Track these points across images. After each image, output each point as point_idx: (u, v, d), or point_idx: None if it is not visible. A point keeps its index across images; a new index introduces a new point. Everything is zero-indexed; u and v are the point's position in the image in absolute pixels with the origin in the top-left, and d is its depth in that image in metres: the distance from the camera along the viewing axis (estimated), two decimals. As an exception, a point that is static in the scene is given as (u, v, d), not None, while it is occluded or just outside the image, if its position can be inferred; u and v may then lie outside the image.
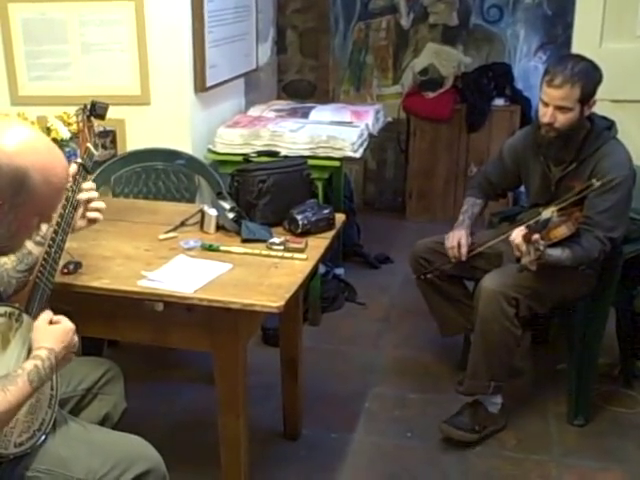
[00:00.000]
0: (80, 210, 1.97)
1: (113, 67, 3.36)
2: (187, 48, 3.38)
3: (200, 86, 3.48)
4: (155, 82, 3.37)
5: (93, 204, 2.00)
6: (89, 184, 2.00)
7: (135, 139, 3.43)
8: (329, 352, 3.45)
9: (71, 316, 1.80)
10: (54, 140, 2.51)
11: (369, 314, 3.86)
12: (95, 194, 2.02)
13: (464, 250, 2.87)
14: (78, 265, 2.14)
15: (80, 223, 1.99)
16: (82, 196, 1.96)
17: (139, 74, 3.36)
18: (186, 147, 3.43)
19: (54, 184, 1.59)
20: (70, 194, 1.91)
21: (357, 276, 4.19)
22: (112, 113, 3.26)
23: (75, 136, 2.58)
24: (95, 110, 2.10)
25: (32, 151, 1.55)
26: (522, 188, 3.15)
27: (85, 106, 2.11)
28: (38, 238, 1.91)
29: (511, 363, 2.77)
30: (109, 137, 3.46)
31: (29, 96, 3.40)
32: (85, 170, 1.97)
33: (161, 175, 3.39)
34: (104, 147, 3.47)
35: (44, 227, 1.74)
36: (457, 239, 2.90)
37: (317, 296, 3.66)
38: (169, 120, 3.41)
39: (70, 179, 1.93)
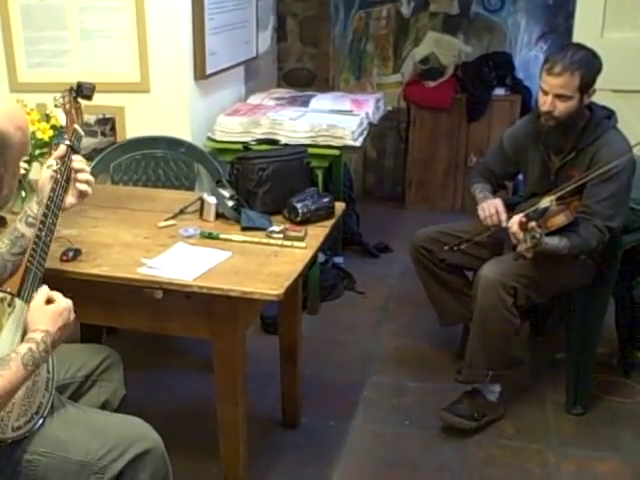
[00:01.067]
0: (70, 189, 1.96)
1: (113, 54, 3.35)
2: (187, 35, 3.37)
3: (200, 74, 3.47)
4: (155, 69, 3.36)
5: (81, 175, 1.97)
6: (79, 157, 1.99)
7: (134, 127, 3.43)
8: (328, 341, 3.45)
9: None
10: (53, 127, 2.50)
11: (368, 303, 3.86)
12: (85, 167, 2.00)
13: (503, 216, 2.77)
14: (77, 252, 2.14)
15: (70, 200, 1.97)
16: (74, 166, 1.95)
17: (139, 61, 3.34)
18: (185, 135, 3.42)
19: (23, 124, 1.68)
20: (59, 176, 1.91)
21: (356, 265, 4.19)
22: (111, 100, 3.33)
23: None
24: (82, 91, 2.10)
25: None
26: (521, 177, 3.14)
27: (72, 87, 2.10)
28: (30, 220, 1.91)
29: (509, 352, 2.78)
30: (108, 125, 3.45)
31: (28, 83, 3.40)
32: (73, 151, 1.98)
33: (160, 163, 3.39)
34: (103, 134, 3.47)
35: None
36: (494, 206, 2.82)
37: (316, 285, 3.66)
38: (169, 108, 3.40)
39: (58, 161, 1.94)
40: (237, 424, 2.18)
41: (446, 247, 2.93)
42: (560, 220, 2.54)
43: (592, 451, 2.70)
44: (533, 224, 2.45)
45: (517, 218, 2.53)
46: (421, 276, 3.09)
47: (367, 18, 5.31)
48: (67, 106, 2.08)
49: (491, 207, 2.83)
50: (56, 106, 2.13)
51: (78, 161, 1.98)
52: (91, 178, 2.01)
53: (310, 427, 2.81)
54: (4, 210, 1.93)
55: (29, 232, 1.90)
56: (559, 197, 2.60)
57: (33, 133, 2.42)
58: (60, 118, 2.44)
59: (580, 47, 2.63)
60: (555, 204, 2.58)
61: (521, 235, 2.49)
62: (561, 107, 2.60)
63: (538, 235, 2.46)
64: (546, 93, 2.62)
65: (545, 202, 2.59)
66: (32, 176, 2.49)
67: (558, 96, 2.59)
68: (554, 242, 2.56)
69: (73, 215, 2.42)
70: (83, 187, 1.98)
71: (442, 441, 2.75)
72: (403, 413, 2.91)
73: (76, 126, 2.04)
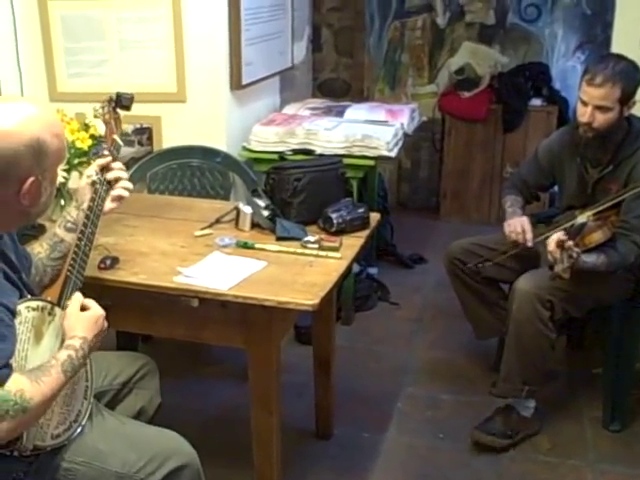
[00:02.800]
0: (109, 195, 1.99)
1: (150, 64, 3.39)
2: (223, 46, 3.39)
3: (236, 84, 3.49)
4: (191, 80, 3.39)
5: (121, 184, 2.00)
6: (118, 164, 2.01)
7: (171, 136, 3.46)
8: (361, 352, 3.44)
9: (107, 311, 1.82)
10: (92, 137, 2.53)
11: (402, 314, 3.84)
12: (124, 174, 2.03)
13: (529, 235, 2.75)
14: (115, 260, 2.16)
15: (109, 205, 1.99)
16: (113, 174, 1.97)
17: (175, 72, 3.38)
18: (221, 144, 3.45)
19: (60, 131, 1.69)
20: (98, 186, 1.93)
21: (390, 276, 4.17)
22: (149, 110, 3.36)
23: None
24: (121, 101, 2.12)
25: (32, 118, 1.60)
26: (556, 189, 3.11)
27: (111, 98, 2.12)
28: (69, 225, 1.94)
29: (545, 367, 2.74)
30: (145, 134, 3.49)
31: (67, 93, 3.44)
32: (113, 161, 1.99)
33: (196, 172, 3.41)
34: (140, 144, 3.50)
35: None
36: (520, 224, 2.80)
37: (350, 295, 3.65)
38: (205, 117, 3.43)
39: (98, 170, 1.96)
40: (271, 433, 2.17)
41: (469, 264, 2.93)
42: (597, 237, 2.50)
43: (629, 469, 2.65)
44: (570, 243, 2.42)
45: (555, 237, 2.49)
46: (456, 288, 3.07)
47: (402, 28, 5.31)
48: (106, 116, 2.11)
49: (517, 225, 2.81)
50: (95, 116, 2.15)
51: (117, 169, 2.00)
52: (129, 185, 2.04)
53: (343, 438, 2.80)
54: (43, 218, 1.95)
55: (68, 237, 1.92)
56: (596, 212, 2.57)
57: (73, 142, 2.46)
58: (99, 128, 2.48)
59: (621, 58, 2.59)
60: (592, 219, 2.55)
61: (558, 254, 2.45)
62: (600, 119, 2.57)
63: (575, 255, 2.42)
64: (586, 104, 2.59)
65: (582, 218, 2.56)
66: (71, 185, 2.52)
67: (598, 107, 2.56)
68: (591, 259, 2.53)
69: (111, 223, 2.45)
70: (121, 192, 2.01)
71: (476, 455, 2.72)
72: (437, 426, 2.89)
73: (115, 136, 2.07)
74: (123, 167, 2.04)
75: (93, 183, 1.95)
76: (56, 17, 3.39)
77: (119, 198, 2.01)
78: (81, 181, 2.00)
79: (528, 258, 2.87)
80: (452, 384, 3.16)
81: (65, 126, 2.50)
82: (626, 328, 2.81)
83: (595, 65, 2.60)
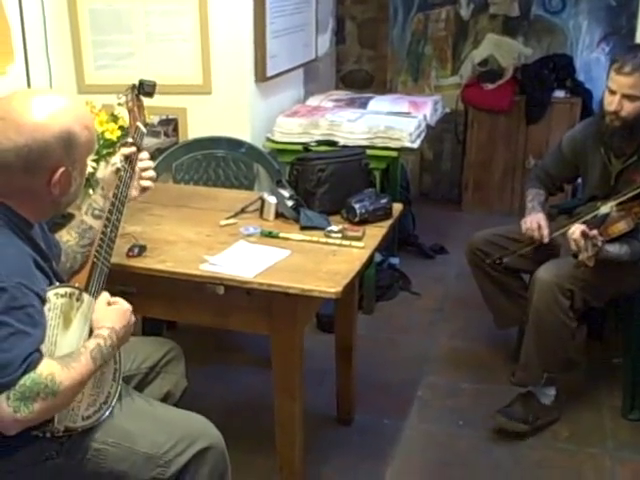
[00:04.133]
0: (134, 182, 2.03)
1: (176, 57, 3.44)
2: (248, 38, 3.44)
3: (260, 76, 3.53)
4: (217, 72, 3.44)
5: (145, 173, 2.06)
6: (145, 154, 2.06)
7: (196, 127, 3.51)
8: (383, 340, 3.48)
9: (135, 297, 1.87)
10: (121, 128, 2.58)
11: (423, 304, 3.88)
12: (150, 163, 2.08)
13: (545, 232, 2.80)
14: (143, 248, 2.21)
15: (133, 193, 2.04)
16: (141, 164, 2.03)
17: (201, 64, 3.43)
18: (245, 136, 3.49)
19: (90, 123, 1.73)
20: (123, 174, 1.97)
21: (412, 266, 4.20)
22: (174, 102, 3.41)
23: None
24: (144, 88, 2.14)
25: (62, 110, 1.65)
26: (580, 181, 3.12)
27: (134, 85, 2.15)
28: (96, 212, 1.99)
29: (565, 355, 2.76)
30: (171, 125, 3.54)
31: (95, 85, 3.50)
32: (137, 149, 2.03)
33: (221, 163, 3.46)
34: (166, 135, 3.56)
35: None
36: (536, 221, 2.84)
37: (372, 284, 3.69)
38: (230, 109, 3.48)
39: (122, 158, 2.00)
40: (294, 418, 2.22)
41: (488, 261, 2.97)
42: (621, 227, 2.52)
43: (648, 457, 2.68)
44: (595, 232, 2.44)
45: (578, 226, 2.52)
46: (477, 278, 3.10)
47: (426, 20, 5.32)
48: (130, 104, 2.13)
49: (534, 222, 2.85)
50: (119, 104, 2.18)
51: (143, 159, 2.05)
52: (154, 174, 2.09)
53: (364, 425, 2.85)
54: (72, 207, 2.00)
55: (96, 224, 1.98)
56: (619, 202, 2.58)
57: (102, 133, 2.51)
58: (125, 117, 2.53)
59: None
60: (615, 210, 2.56)
61: (582, 243, 2.48)
62: (629, 107, 2.58)
63: (599, 243, 2.44)
64: (614, 93, 2.60)
65: (605, 208, 2.58)
66: (99, 175, 2.57)
67: (626, 96, 2.57)
68: (615, 249, 2.55)
69: (138, 213, 2.51)
70: (147, 183, 2.06)
71: (495, 442, 2.75)
72: (457, 414, 2.92)
73: (139, 123, 2.09)
74: (149, 156, 2.08)
75: (117, 171, 1.99)
76: (84, 11, 3.45)
77: (144, 189, 2.06)
78: (106, 169, 2.04)
79: (548, 248, 2.89)
80: (472, 373, 3.19)
81: (94, 117, 2.56)
82: (646, 318, 2.83)
83: (624, 55, 2.62)
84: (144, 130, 2.10)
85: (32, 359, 1.50)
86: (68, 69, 3.51)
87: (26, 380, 1.48)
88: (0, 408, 1.47)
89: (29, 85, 3.25)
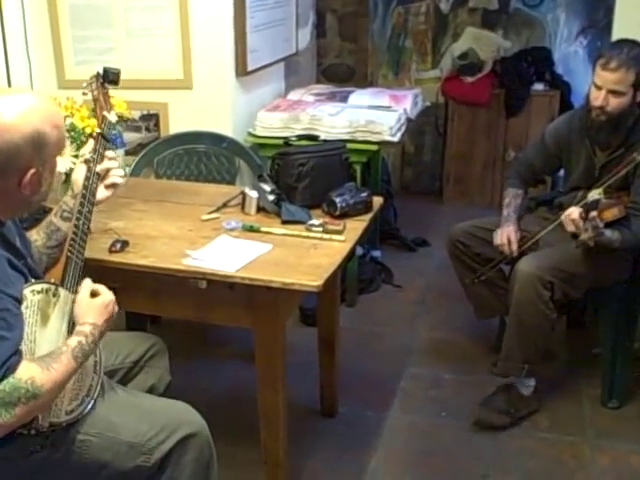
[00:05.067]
0: (103, 181, 2.00)
1: (157, 52, 3.44)
2: (229, 33, 3.44)
3: (241, 70, 3.54)
4: (197, 66, 3.44)
5: (113, 172, 2.02)
6: (111, 153, 2.03)
7: (178, 122, 3.52)
8: (365, 333, 3.51)
9: (118, 292, 1.87)
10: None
11: (405, 296, 3.91)
12: (115, 164, 2.04)
13: (514, 247, 2.86)
14: (125, 244, 2.22)
15: (102, 193, 2.01)
16: (102, 166, 1.98)
17: (182, 59, 3.43)
18: (227, 130, 3.50)
19: (59, 122, 1.71)
20: (92, 165, 1.95)
21: (394, 259, 4.23)
22: (155, 97, 3.42)
23: (121, 119, 2.63)
24: (108, 76, 2.10)
25: (32, 110, 1.62)
26: (561, 173, 3.16)
27: (98, 74, 2.10)
28: (65, 214, 1.96)
29: (545, 346, 2.80)
30: (152, 120, 3.54)
31: (76, 80, 3.44)
32: (104, 139, 2.01)
33: (203, 157, 3.47)
34: (148, 130, 3.56)
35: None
36: (506, 235, 2.90)
37: (354, 278, 3.71)
38: (211, 104, 3.49)
39: (92, 150, 1.98)
40: (277, 410, 2.24)
41: (467, 280, 3.05)
42: (615, 212, 2.55)
43: (627, 444, 2.71)
44: (594, 214, 2.48)
45: (575, 209, 2.56)
46: (457, 270, 3.13)
47: (406, 14, 5.34)
48: (95, 92, 2.09)
49: (504, 236, 2.90)
50: (84, 94, 2.13)
51: (109, 158, 2.01)
52: (121, 172, 2.06)
53: (348, 416, 2.87)
54: (53, 202, 1.98)
55: (64, 226, 1.95)
56: (606, 189, 2.61)
57: (83, 129, 2.50)
58: (108, 115, 2.52)
59: (635, 44, 2.63)
60: (604, 197, 2.59)
61: (581, 223, 2.52)
62: (614, 103, 2.62)
63: (601, 224, 2.48)
64: (599, 88, 2.63)
65: (594, 195, 2.60)
66: (73, 176, 2.56)
67: (612, 92, 2.61)
68: (608, 234, 2.58)
69: (120, 208, 2.52)
70: (114, 179, 2.03)
71: (477, 432, 2.78)
72: (439, 404, 2.95)
73: (105, 113, 2.05)
74: (114, 155, 2.05)
75: (87, 161, 1.96)
76: (64, 6, 3.44)
77: (113, 185, 2.03)
78: (77, 167, 2.02)
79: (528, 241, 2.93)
80: (454, 364, 3.22)
81: (75, 113, 2.55)
82: (624, 308, 2.87)
83: (610, 50, 2.65)
84: (111, 119, 2.06)
85: (10, 363, 1.50)
86: (48, 64, 3.51)
87: (5, 385, 1.48)
88: None
89: (9, 80, 3.23)
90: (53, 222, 1.97)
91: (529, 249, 2.87)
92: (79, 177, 1.97)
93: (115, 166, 2.04)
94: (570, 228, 2.59)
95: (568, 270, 2.69)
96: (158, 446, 1.80)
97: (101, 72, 2.10)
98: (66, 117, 2.62)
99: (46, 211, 2.30)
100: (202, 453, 1.87)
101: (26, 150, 1.59)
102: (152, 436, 1.80)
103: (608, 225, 2.56)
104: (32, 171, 1.62)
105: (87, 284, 1.79)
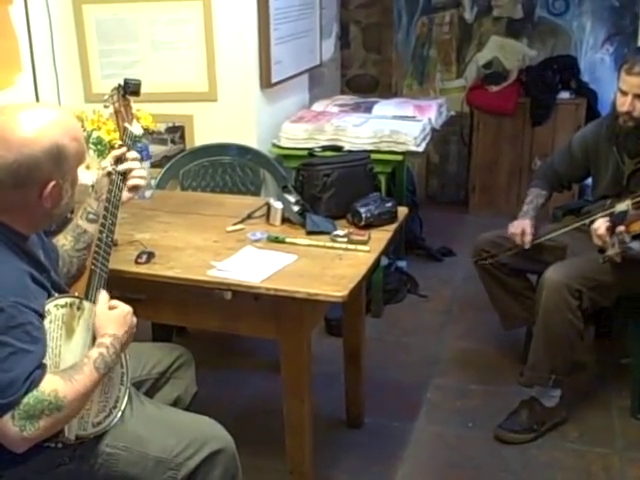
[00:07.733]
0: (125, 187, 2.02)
1: (182, 65, 3.46)
2: (253, 45, 3.46)
3: (266, 82, 3.56)
4: (222, 79, 3.46)
5: (135, 173, 2.03)
6: (132, 154, 2.04)
7: (203, 134, 3.53)
8: (391, 343, 3.50)
9: (144, 304, 1.89)
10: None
11: (431, 306, 3.89)
12: (137, 164, 2.05)
13: (528, 238, 2.85)
14: (151, 255, 2.23)
15: (126, 194, 2.02)
16: (123, 166, 2.00)
17: (206, 71, 3.45)
18: (252, 142, 3.51)
19: (78, 134, 1.72)
20: (114, 176, 1.97)
21: (419, 269, 4.22)
22: (181, 109, 3.45)
23: (147, 131, 2.65)
24: (129, 87, 2.11)
25: (50, 123, 1.64)
26: (588, 181, 3.13)
27: (119, 85, 2.12)
28: (91, 216, 1.98)
29: (573, 356, 2.76)
30: (178, 132, 3.57)
31: (102, 94, 3.48)
32: (127, 150, 2.02)
33: (228, 169, 3.48)
34: (173, 142, 3.58)
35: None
36: (521, 227, 2.89)
37: (379, 288, 3.70)
38: (235, 115, 3.51)
39: (113, 162, 2.00)
40: (303, 421, 2.24)
41: (484, 262, 3.02)
42: None
43: (658, 456, 2.68)
44: (622, 228, 2.45)
45: (603, 222, 2.53)
46: (483, 280, 3.11)
47: (430, 24, 5.35)
48: (116, 105, 2.11)
49: (519, 227, 2.89)
50: (105, 106, 2.15)
51: (131, 159, 2.03)
52: (143, 173, 2.08)
53: (374, 427, 2.86)
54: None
55: (91, 228, 1.97)
56: (636, 201, 2.58)
57: (109, 142, 2.53)
58: (134, 128, 2.55)
59: None
60: (632, 208, 2.56)
61: (608, 239, 2.49)
62: None
63: (628, 239, 2.45)
64: (625, 93, 2.61)
65: (622, 206, 2.57)
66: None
67: (638, 96, 2.59)
68: (636, 247, 2.55)
69: (146, 220, 2.54)
70: (136, 181, 2.04)
71: (505, 444, 2.76)
72: (466, 415, 2.93)
73: (127, 124, 2.08)
74: (137, 156, 2.06)
75: (109, 174, 1.98)
76: (91, 20, 3.48)
77: (135, 188, 2.05)
78: (99, 173, 2.04)
79: (555, 250, 2.90)
80: (481, 374, 3.20)
81: (101, 127, 2.58)
82: (654, 318, 2.83)
83: (634, 55, 2.64)
84: (133, 131, 2.08)
85: (34, 377, 1.51)
86: (75, 78, 3.55)
87: (29, 398, 1.49)
88: (6, 428, 1.48)
89: (37, 95, 3.28)
90: (79, 225, 1.99)
91: (556, 257, 2.84)
92: (98, 179, 2.01)
93: (137, 167, 2.05)
94: (597, 242, 2.56)
95: (596, 278, 2.66)
96: (186, 462, 1.81)
97: (122, 84, 2.12)
98: (93, 130, 2.66)
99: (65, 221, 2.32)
100: (228, 469, 1.88)
101: (46, 163, 1.61)
102: (180, 451, 1.80)
103: (637, 237, 2.53)
104: (52, 184, 1.63)
105: (104, 296, 1.80)
